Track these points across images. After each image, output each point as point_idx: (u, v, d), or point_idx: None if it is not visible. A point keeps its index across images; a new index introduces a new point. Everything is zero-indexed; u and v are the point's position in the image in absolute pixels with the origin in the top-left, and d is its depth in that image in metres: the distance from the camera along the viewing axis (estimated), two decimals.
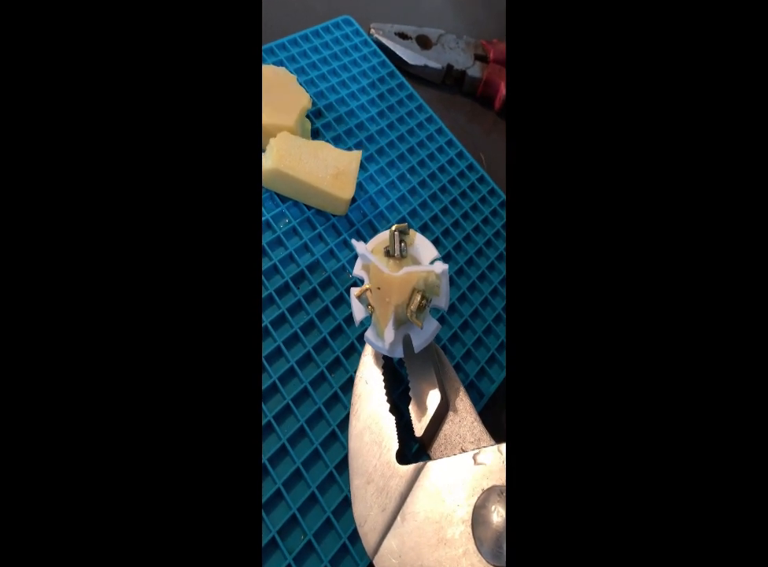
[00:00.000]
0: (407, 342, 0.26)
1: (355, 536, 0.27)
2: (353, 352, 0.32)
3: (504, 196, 0.43)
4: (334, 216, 0.36)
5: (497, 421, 0.34)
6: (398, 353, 0.26)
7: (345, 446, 0.29)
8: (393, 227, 0.27)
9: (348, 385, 0.30)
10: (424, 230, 0.39)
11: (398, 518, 0.21)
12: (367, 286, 0.25)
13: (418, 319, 0.24)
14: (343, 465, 0.28)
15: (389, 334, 0.24)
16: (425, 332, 0.26)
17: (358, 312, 0.27)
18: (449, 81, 0.50)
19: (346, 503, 0.27)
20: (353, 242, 0.26)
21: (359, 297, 0.26)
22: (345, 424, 0.29)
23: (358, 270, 0.27)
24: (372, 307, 0.25)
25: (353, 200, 0.37)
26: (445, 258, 0.38)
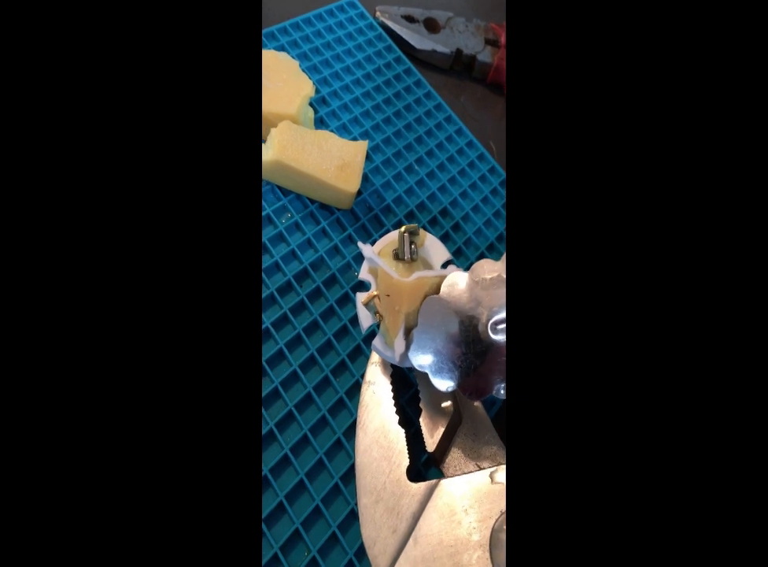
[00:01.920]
0: None
1: (362, 552, 0.25)
2: (359, 355, 0.30)
3: None
4: (338, 210, 0.35)
5: None
6: (408, 363, 0.24)
7: (350, 456, 0.27)
8: (403, 229, 0.25)
9: (355, 390, 0.29)
10: (433, 224, 0.37)
11: (410, 541, 0.20)
12: (375, 292, 0.24)
13: None
14: (349, 475, 0.27)
15: (400, 344, 0.22)
16: None
17: (365, 319, 0.25)
18: (458, 66, 0.48)
19: (353, 516, 0.26)
20: (360, 245, 0.24)
21: (366, 304, 0.24)
22: (351, 431, 0.28)
23: (365, 274, 0.25)
24: (380, 315, 0.24)
25: (359, 193, 0.35)
26: (455, 254, 0.36)
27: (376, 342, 0.25)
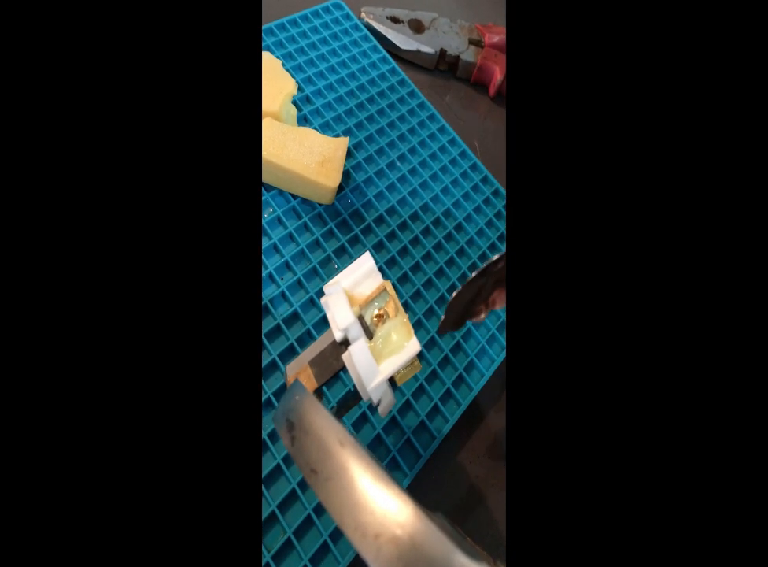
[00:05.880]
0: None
1: (337, 534, 0.26)
2: None
3: (497, 184, 0.42)
4: (320, 205, 0.35)
5: (485, 423, 0.33)
6: (377, 394, 0.21)
7: None
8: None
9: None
10: (414, 219, 0.38)
11: None
12: (386, 284, 0.21)
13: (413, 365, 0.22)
14: None
15: (414, 344, 0.20)
16: (390, 396, 0.22)
17: (344, 313, 0.20)
18: (443, 66, 0.49)
19: None
20: (367, 254, 0.22)
21: (381, 292, 0.21)
22: None
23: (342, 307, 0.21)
24: (382, 316, 0.21)
25: (341, 188, 0.36)
26: (436, 248, 0.37)
27: (360, 351, 0.20)
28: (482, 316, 0.26)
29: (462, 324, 0.26)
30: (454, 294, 0.24)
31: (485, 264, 0.23)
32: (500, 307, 0.26)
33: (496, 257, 0.23)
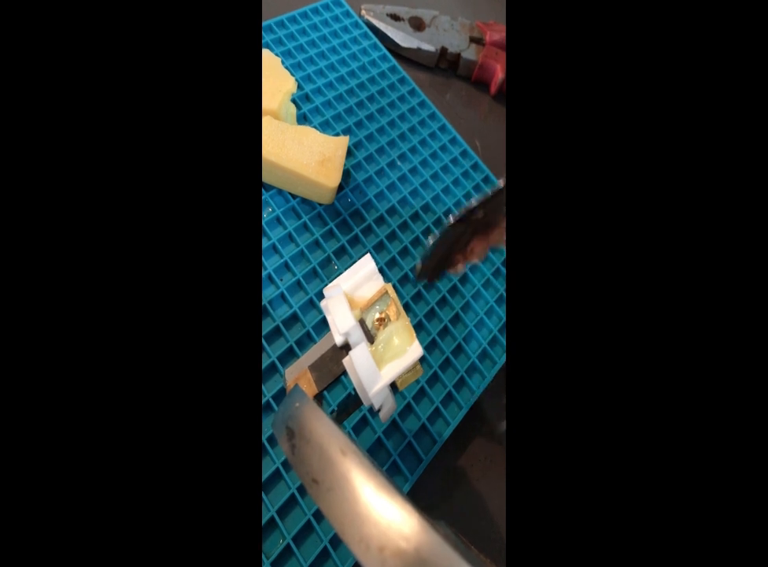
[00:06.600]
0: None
1: (337, 540, 0.25)
2: None
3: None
4: (320, 204, 0.35)
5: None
6: (378, 400, 0.20)
7: None
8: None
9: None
10: (415, 219, 0.37)
11: None
12: (387, 286, 0.21)
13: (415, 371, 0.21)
14: None
15: (416, 348, 0.20)
16: (391, 401, 0.21)
17: (345, 317, 0.20)
18: (443, 64, 0.48)
19: None
20: (368, 257, 0.22)
21: (382, 295, 0.20)
22: None
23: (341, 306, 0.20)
24: (384, 319, 0.20)
25: (341, 188, 0.36)
26: None
27: (361, 356, 0.19)
28: (460, 267, 0.25)
29: (440, 274, 0.25)
30: (430, 239, 0.23)
31: (463, 211, 0.23)
32: (478, 259, 0.25)
33: (474, 203, 0.23)
